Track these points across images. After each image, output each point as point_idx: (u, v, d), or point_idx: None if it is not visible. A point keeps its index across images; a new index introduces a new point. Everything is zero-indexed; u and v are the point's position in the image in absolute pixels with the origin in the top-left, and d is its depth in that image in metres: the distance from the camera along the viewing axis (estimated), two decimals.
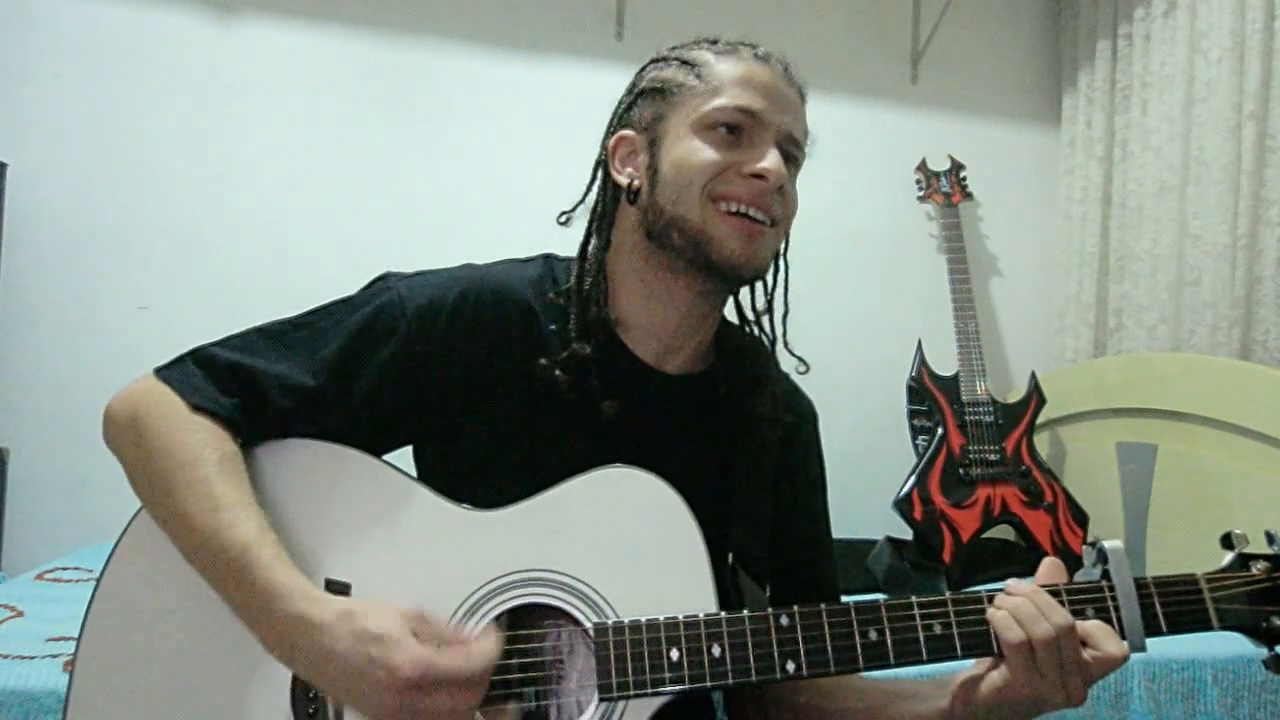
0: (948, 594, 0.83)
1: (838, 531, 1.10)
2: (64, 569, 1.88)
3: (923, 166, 2.80)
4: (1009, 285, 2.94)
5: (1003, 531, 2.38)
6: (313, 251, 2.41)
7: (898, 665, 0.81)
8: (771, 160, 0.90)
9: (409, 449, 0.97)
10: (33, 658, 1.29)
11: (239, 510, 0.79)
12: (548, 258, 1.01)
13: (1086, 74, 2.82)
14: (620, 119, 0.99)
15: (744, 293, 1.02)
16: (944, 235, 2.71)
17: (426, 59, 2.54)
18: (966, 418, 2.41)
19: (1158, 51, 2.55)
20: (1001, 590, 0.83)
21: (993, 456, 2.37)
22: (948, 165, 2.80)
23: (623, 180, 0.95)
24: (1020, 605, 0.80)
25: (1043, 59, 3.01)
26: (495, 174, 2.54)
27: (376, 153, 2.50)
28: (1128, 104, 2.67)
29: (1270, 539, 0.87)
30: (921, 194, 2.78)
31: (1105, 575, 0.84)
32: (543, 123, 2.55)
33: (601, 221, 0.98)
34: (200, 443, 0.82)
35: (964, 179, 2.79)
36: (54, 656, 1.30)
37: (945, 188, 2.76)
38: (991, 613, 0.81)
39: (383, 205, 2.49)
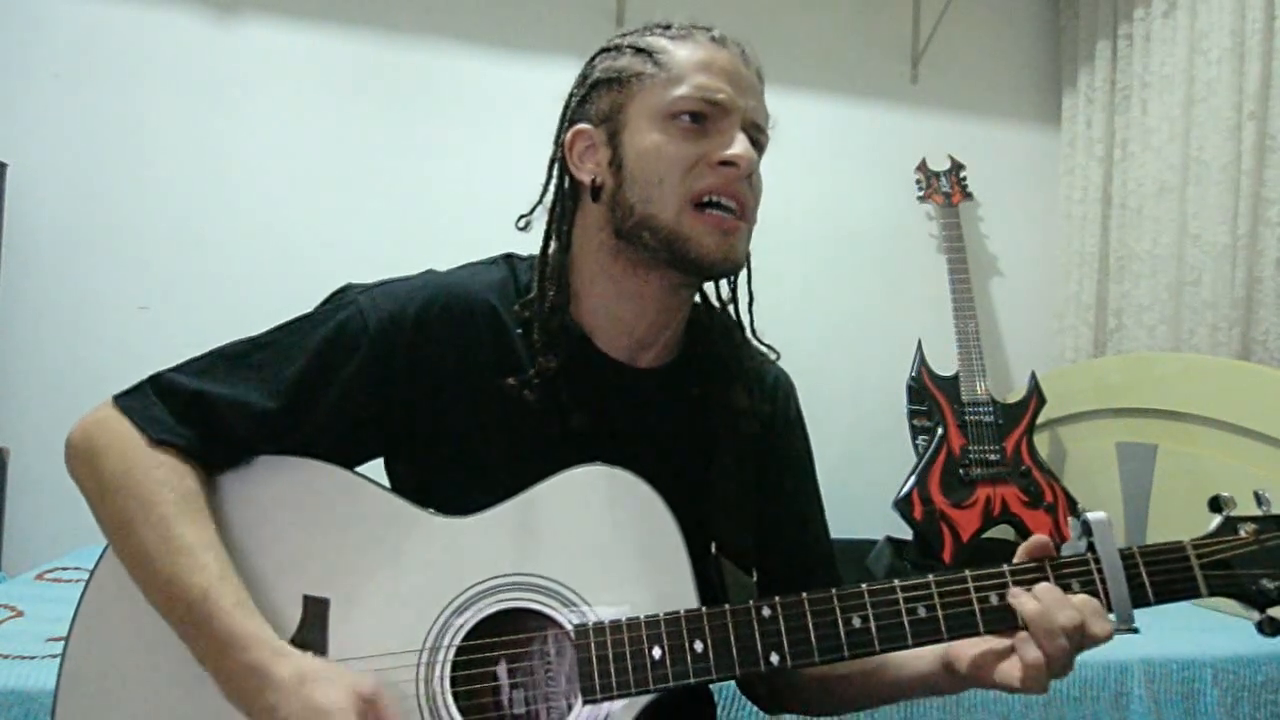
0: (931, 576, 0.82)
1: (838, 531, 1.09)
2: (64, 569, 1.88)
3: (923, 166, 2.80)
4: (1009, 285, 2.94)
5: (1003, 531, 2.38)
6: (312, 251, 2.41)
7: (883, 651, 0.80)
8: (740, 146, 0.87)
9: (379, 461, 0.96)
10: (33, 658, 1.29)
11: (199, 554, 0.77)
12: (509, 257, 0.98)
13: (1086, 74, 2.82)
14: (574, 113, 0.95)
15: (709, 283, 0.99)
16: (944, 235, 2.71)
17: (426, 59, 2.54)
18: (966, 418, 2.41)
19: (1158, 51, 2.55)
20: (995, 577, 0.82)
21: (993, 456, 2.37)
22: (948, 165, 2.80)
23: (584, 178, 0.92)
24: (1036, 615, 0.78)
25: (1043, 59, 3.01)
26: (495, 174, 2.53)
27: (376, 152, 2.50)
28: (1128, 104, 2.67)
29: (1258, 499, 0.85)
30: (921, 194, 2.78)
31: (1091, 548, 0.82)
32: (542, 123, 2.54)
33: (561, 222, 0.94)
34: (159, 481, 0.80)
35: (964, 179, 2.79)
36: (54, 656, 1.28)
37: (945, 188, 2.76)
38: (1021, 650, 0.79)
39: (382, 205, 2.49)
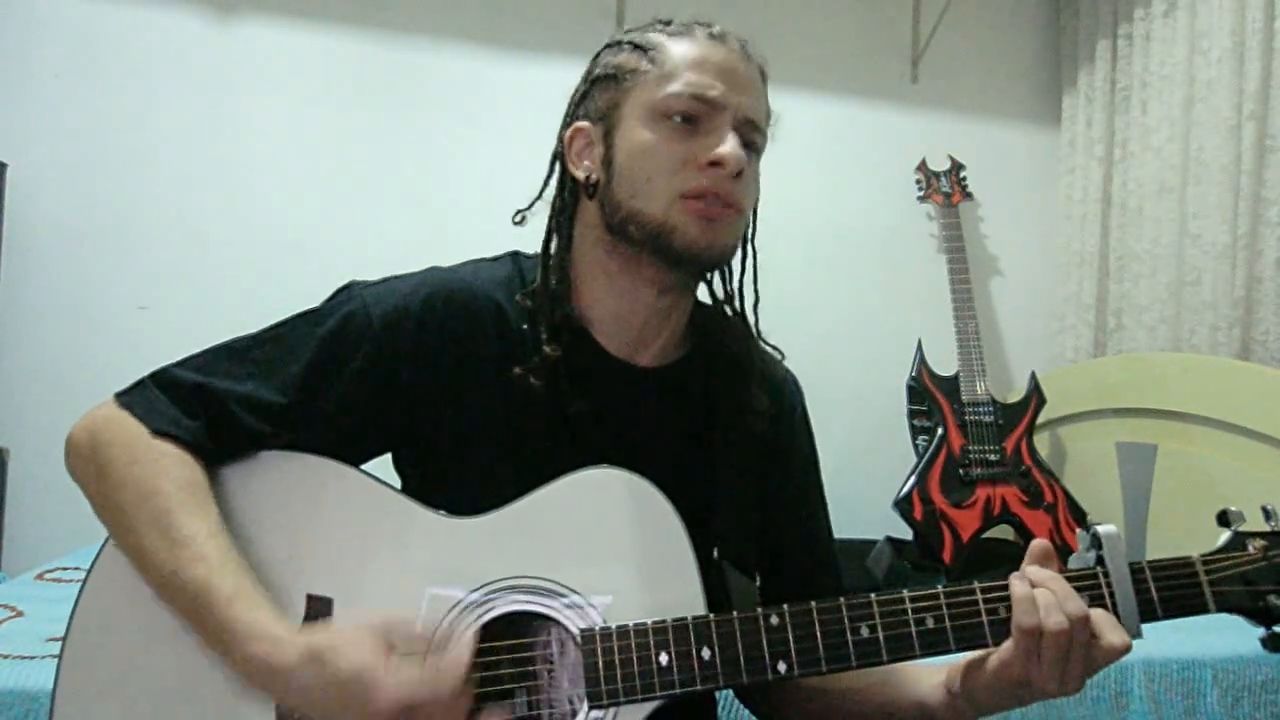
0: (939, 587, 0.82)
1: (838, 532, 1.09)
2: (64, 569, 1.87)
3: (923, 166, 2.80)
4: (1009, 285, 2.94)
5: (1003, 531, 2.38)
6: (313, 251, 2.41)
7: (890, 661, 0.80)
8: (729, 146, 0.86)
9: (388, 459, 0.95)
10: (33, 658, 1.29)
11: (199, 544, 0.76)
12: (515, 255, 0.98)
13: (1086, 74, 2.82)
14: (575, 109, 0.96)
15: (716, 281, 0.99)
16: (944, 235, 2.71)
17: (427, 59, 2.54)
18: (966, 418, 2.41)
19: (1158, 51, 2.55)
20: (1003, 590, 0.81)
21: (993, 456, 2.37)
22: (948, 165, 2.80)
23: (580, 174, 0.92)
24: (1040, 593, 0.78)
25: (1043, 59, 3.01)
26: (495, 173, 2.53)
27: (376, 152, 2.50)
28: (1128, 104, 2.67)
29: (1267, 515, 0.84)
30: (921, 194, 2.78)
31: (1100, 561, 0.82)
32: (543, 122, 2.54)
33: (561, 217, 0.94)
34: (160, 472, 0.79)
35: (964, 179, 2.79)
36: (54, 656, 1.29)
37: (945, 188, 2.76)
38: (1015, 587, 0.79)
39: (382, 204, 2.49)
